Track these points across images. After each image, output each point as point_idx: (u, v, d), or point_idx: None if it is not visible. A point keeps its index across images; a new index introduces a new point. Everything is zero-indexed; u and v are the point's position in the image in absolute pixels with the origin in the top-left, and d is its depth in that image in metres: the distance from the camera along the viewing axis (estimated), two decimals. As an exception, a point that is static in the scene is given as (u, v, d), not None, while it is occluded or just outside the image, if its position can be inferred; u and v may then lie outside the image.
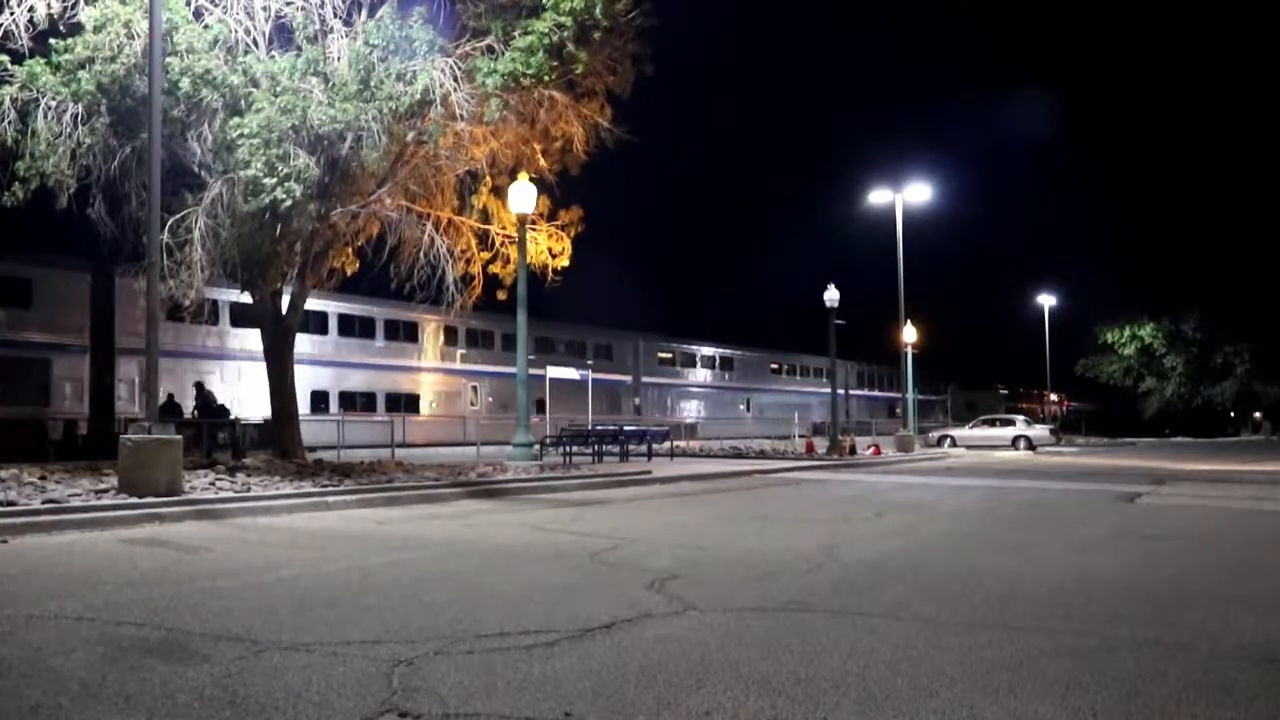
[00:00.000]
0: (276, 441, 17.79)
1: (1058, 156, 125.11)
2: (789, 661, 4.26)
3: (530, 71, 14.92)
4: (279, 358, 17.74)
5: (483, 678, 3.96)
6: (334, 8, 15.30)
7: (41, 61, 14.43)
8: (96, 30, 14.21)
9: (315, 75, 14.71)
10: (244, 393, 26.41)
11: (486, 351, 39.07)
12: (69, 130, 14.42)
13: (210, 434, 20.44)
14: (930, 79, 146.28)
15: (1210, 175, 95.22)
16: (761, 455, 27.10)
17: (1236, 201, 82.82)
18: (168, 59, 13.75)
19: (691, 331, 56.81)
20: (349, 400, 33.46)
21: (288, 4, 15.50)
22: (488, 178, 18.52)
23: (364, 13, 15.41)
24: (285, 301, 18.02)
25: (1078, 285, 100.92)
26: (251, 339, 28.98)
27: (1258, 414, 76.37)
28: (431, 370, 37.28)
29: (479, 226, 19.45)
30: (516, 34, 15.29)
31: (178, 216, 14.49)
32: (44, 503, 9.58)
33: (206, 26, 14.95)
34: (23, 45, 14.33)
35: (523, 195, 18.22)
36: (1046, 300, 57.95)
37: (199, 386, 22.83)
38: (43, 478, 12.21)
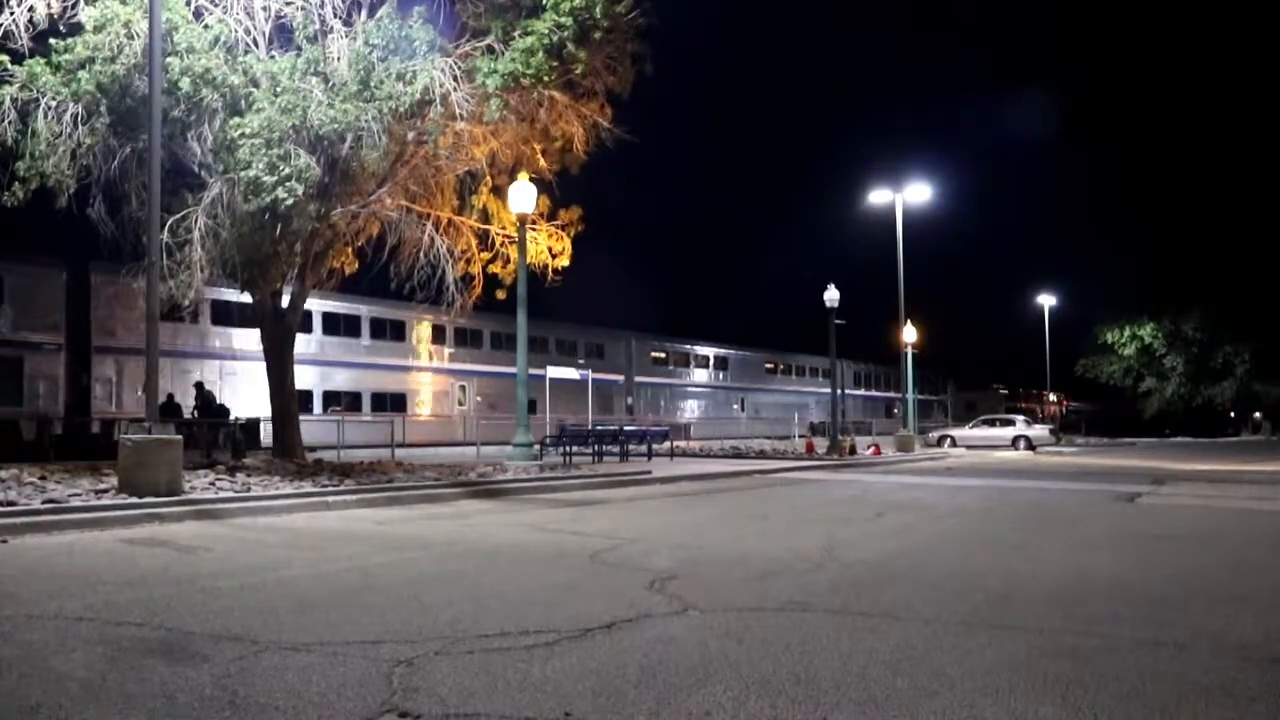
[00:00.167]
0: (276, 441, 17.80)
1: (1058, 156, 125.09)
2: (789, 661, 4.26)
3: (530, 71, 14.92)
4: (279, 358, 17.74)
5: (483, 678, 3.96)
6: (334, 8, 15.30)
7: (41, 61, 14.44)
8: (96, 30, 14.21)
9: (315, 75, 14.71)
10: (225, 392, 26.02)
11: (475, 350, 38.77)
12: (69, 130, 14.42)
13: (210, 433, 20.43)
14: (930, 79, 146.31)
15: (1210, 175, 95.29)
16: (761, 455, 27.10)
17: (1236, 202, 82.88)
18: (168, 59, 13.75)
19: (690, 331, 56.75)
20: (334, 400, 33.14)
21: (288, 4, 15.50)
22: (488, 177, 18.53)
23: (364, 13, 15.42)
24: (284, 301, 18.04)
25: (1078, 285, 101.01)
26: (235, 337, 28.98)
27: (1258, 414, 76.35)
28: (419, 369, 36.90)
29: (479, 226, 19.45)
30: (516, 34, 15.30)
31: (178, 216, 14.50)
32: (44, 502, 9.58)
33: (206, 26, 14.95)
34: (23, 45, 14.34)
35: (523, 195, 18.23)
36: (1046, 300, 58.01)
37: (199, 386, 22.82)
38: (43, 478, 12.22)
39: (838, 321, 31.61)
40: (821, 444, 30.99)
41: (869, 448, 31.32)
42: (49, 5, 14.37)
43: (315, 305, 31.89)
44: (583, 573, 6.82)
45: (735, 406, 56.40)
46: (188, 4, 15.18)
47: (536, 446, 20.15)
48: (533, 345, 38.38)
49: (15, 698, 3.67)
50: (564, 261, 20.22)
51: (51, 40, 14.47)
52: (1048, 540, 9.14)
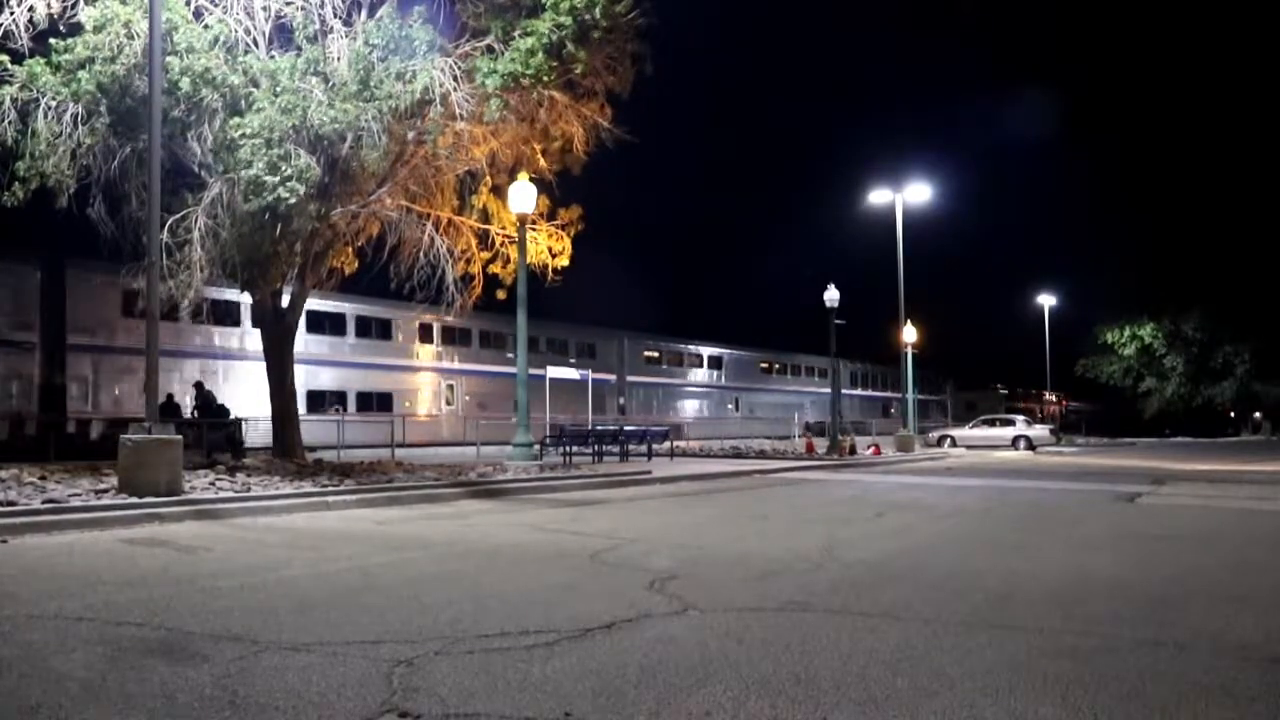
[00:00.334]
0: (276, 441, 17.81)
1: (1058, 156, 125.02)
2: (789, 661, 4.26)
3: (530, 72, 14.92)
4: (279, 357, 17.75)
5: (483, 678, 3.96)
6: (334, 8, 15.30)
7: (41, 61, 14.43)
8: (96, 30, 14.21)
9: (315, 75, 14.71)
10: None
11: (464, 349, 38.35)
12: (69, 130, 14.41)
13: (210, 434, 20.39)
14: (930, 79, 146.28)
15: (1210, 175, 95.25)
16: (761, 455, 27.10)
17: (1236, 202, 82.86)
18: (168, 59, 13.75)
19: (689, 331, 56.50)
20: (318, 399, 32.57)
21: (288, 4, 15.50)
22: (488, 177, 18.52)
23: (364, 13, 15.42)
24: (284, 301, 18.05)
25: (1078, 285, 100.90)
26: (217, 336, 28.71)
27: (1258, 414, 76.36)
28: (406, 368, 36.31)
29: (479, 226, 19.45)
30: (516, 34, 15.30)
31: (178, 216, 14.49)
32: (44, 502, 9.58)
33: (206, 26, 14.95)
34: (23, 45, 14.33)
35: (523, 195, 18.23)
36: (1046, 300, 58.00)
37: (198, 386, 22.82)
38: (43, 478, 12.22)
39: (838, 321, 31.61)
40: (821, 444, 30.99)
41: (869, 448, 31.32)
42: (49, 5, 14.36)
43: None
44: (583, 573, 6.82)
45: (730, 406, 56.02)
46: (188, 4, 15.17)
47: (536, 446, 20.15)
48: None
49: (15, 698, 3.67)
50: (564, 261, 20.21)
51: (51, 40, 14.47)
52: (1048, 540, 9.15)
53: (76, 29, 14.51)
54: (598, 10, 15.04)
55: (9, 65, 14.25)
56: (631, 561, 7.30)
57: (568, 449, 22.62)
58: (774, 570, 6.92)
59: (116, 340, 25.62)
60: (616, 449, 23.63)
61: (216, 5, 15.30)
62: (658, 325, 57.67)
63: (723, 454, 27.55)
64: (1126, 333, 69.04)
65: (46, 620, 5.03)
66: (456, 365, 38.13)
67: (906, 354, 38.51)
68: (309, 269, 17.20)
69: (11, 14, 14.16)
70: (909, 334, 38.19)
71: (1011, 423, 42.11)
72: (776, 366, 62.03)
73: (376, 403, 34.27)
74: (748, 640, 4.68)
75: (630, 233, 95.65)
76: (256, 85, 14.66)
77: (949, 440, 39.79)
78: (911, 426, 36.30)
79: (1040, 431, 41.50)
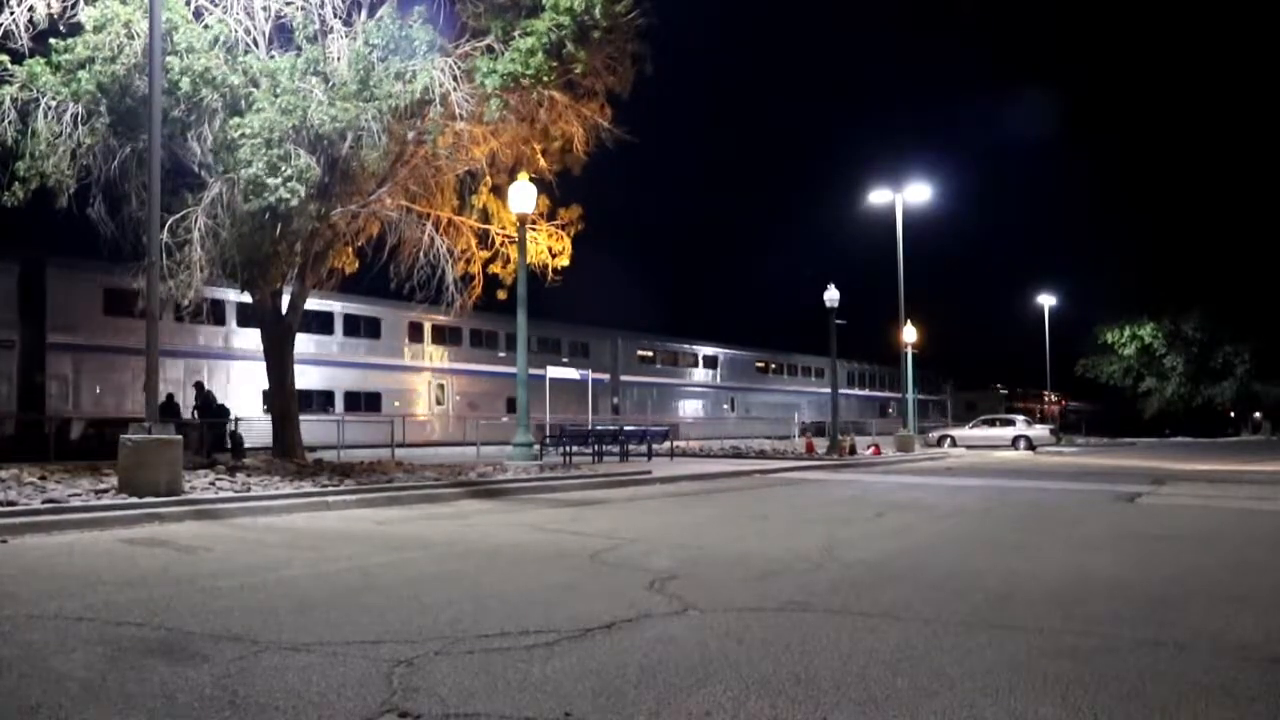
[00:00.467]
0: (276, 441, 17.81)
1: (1058, 156, 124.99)
2: (789, 661, 4.26)
3: (529, 72, 14.92)
4: (279, 357, 17.75)
5: (483, 678, 3.96)
6: (334, 8, 15.30)
7: (41, 61, 14.43)
8: (96, 30, 14.21)
9: (315, 75, 14.71)
10: (187, 392, 25.09)
11: (454, 348, 37.86)
12: (69, 130, 14.41)
13: (207, 433, 20.40)
14: (930, 79, 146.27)
15: (1210, 176, 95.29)
16: (761, 455, 27.11)
17: (1236, 202, 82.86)
18: (168, 59, 13.75)
19: (688, 331, 56.40)
20: (304, 399, 31.79)
21: (288, 4, 15.50)
22: (488, 177, 18.52)
23: (364, 13, 15.42)
24: (284, 301, 18.05)
25: (1078, 285, 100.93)
26: (202, 335, 28.40)
27: (1258, 414, 76.36)
28: (395, 368, 35.71)
29: (479, 226, 19.45)
30: (516, 34, 15.29)
31: (178, 216, 14.49)
32: (44, 502, 9.58)
33: (206, 26, 14.95)
34: (23, 45, 14.33)
35: (523, 195, 18.22)
36: (1046, 300, 57.95)
37: (199, 386, 22.83)
38: (43, 478, 12.22)
39: (838, 321, 31.60)
40: (821, 444, 30.99)
41: (869, 448, 31.32)
42: (49, 5, 14.36)
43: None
44: (583, 573, 6.82)
45: (725, 406, 55.63)
46: (188, 4, 15.17)
47: (536, 446, 20.14)
48: (514, 344, 37.93)
49: (15, 698, 3.67)
50: (564, 261, 20.21)
51: (51, 40, 14.47)
52: (1048, 540, 9.14)
53: (76, 29, 14.50)
54: (597, 10, 15.04)
55: (9, 65, 14.24)
56: (631, 561, 7.30)
57: (568, 449, 22.63)
58: (774, 570, 6.92)
59: (98, 339, 25.34)
60: (616, 449, 23.63)
61: (216, 5, 15.30)
62: (658, 325, 57.69)
63: (722, 454, 27.55)
64: (1126, 333, 69.05)
65: (46, 620, 5.03)
66: (447, 364, 37.63)
67: (906, 354, 38.51)
68: (309, 269, 17.20)
69: (11, 14, 14.16)
70: (909, 334, 38.19)
71: (1011, 423, 42.11)
72: (773, 366, 61.74)
73: (365, 403, 33.62)
74: (748, 640, 4.68)
75: (630, 233, 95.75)
76: (256, 85, 14.66)
77: (949, 440, 39.79)
78: (911, 426, 36.30)
79: (1040, 431, 41.50)
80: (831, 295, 31.14)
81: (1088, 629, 5.02)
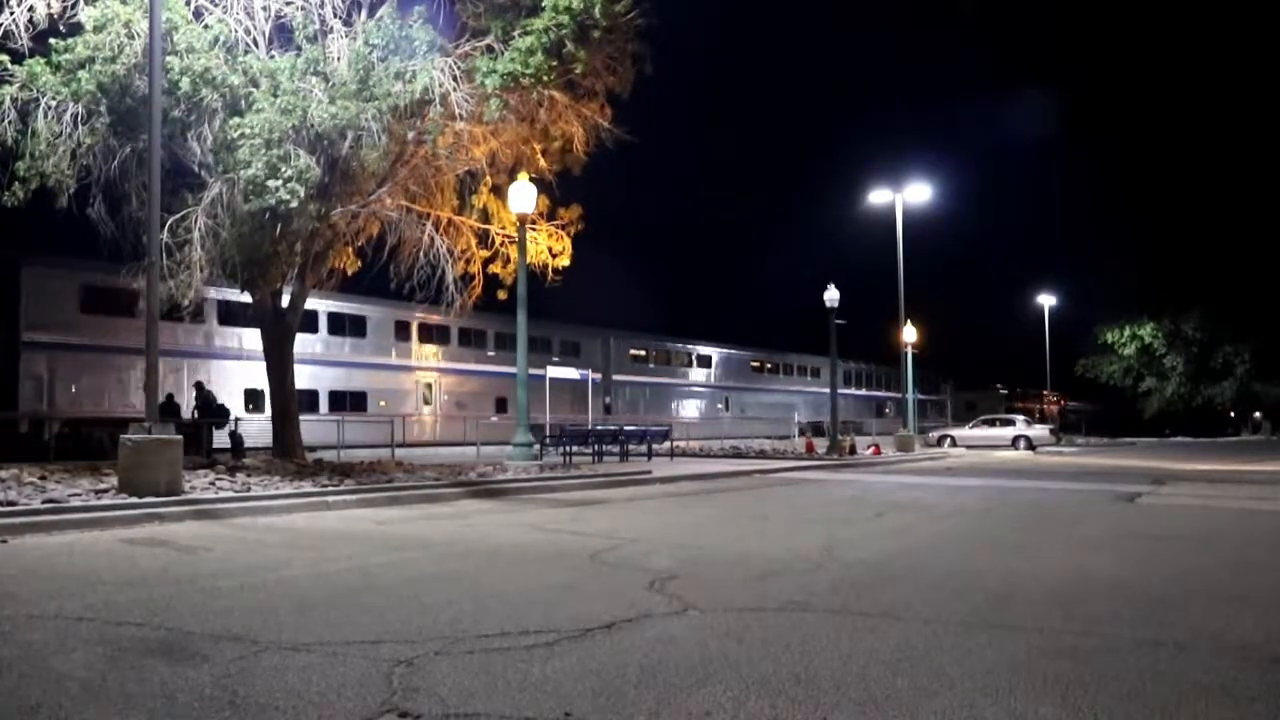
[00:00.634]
0: (276, 441, 17.81)
1: (1058, 156, 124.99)
2: (789, 661, 4.26)
3: (529, 71, 14.92)
4: (279, 357, 17.75)
5: (483, 678, 3.96)
6: (334, 8, 15.31)
7: (41, 61, 14.44)
8: (96, 30, 14.22)
9: (315, 75, 14.72)
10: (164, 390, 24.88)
11: (442, 347, 37.39)
12: (69, 130, 14.42)
13: (206, 433, 20.37)
14: (930, 79, 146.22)
15: (1210, 176, 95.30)
16: (761, 455, 27.11)
17: (1236, 202, 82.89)
18: (168, 59, 13.75)
19: (688, 331, 56.17)
20: None
21: (288, 4, 15.50)
22: (488, 177, 18.52)
23: (364, 13, 15.43)
24: (284, 301, 18.04)
25: (1078, 285, 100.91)
26: (182, 334, 28.05)
27: (1258, 414, 76.35)
28: (380, 367, 35.16)
29: (479, 226, 19.45)
30: (516, 33, 15.30)
31: (178, 216, 14.50)
32: (44, 502, 9.58)
33: (206, 26, 14.95)
34: (23, 45, 14.34)
35: (523, 195, 18.22)
36: (1046, 300, 57.94)
37: (199, 386, 22.82)
38: (43, 477, 12.22)
39: (838, 321, 31.60)
40: (821, 444, 30.99)
41: (869, 448, 31.32)
42: (49, 5, 14.37)
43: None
44: (583, 573, 6.82)
45: (720, 406, 55.25)
46: (188, 4, 15.18)
47: (536, 446, 20.14)
48: (506, 342, 37.42)
49: (15, 698, 3.67)
50: (564, 261, 20.21)
51: (51, 40, 14.47)
52: (1048, 540, 9.14)
53: (76, 29, 14.51)
54: (597, 10, 15.04)
55: (9, 65, 14.25)
56: (631, 561, 7.30)
57: (568, 449, 22.63)
58: (774, 570, 6.92)
59: (74, 337, 25.14)
60: (616, 449, 23.64)
61: (216, 5, 15.30)
62: (658, 325, 57.42)
63: (722, 454, 27.55)
64: (1126, 333, 69.06)
65: (46, 620, 5.03)
66: (434, 364, 37.14)
67: (906, 354, 38.49)
68: (309, 269, 17.20)
69: (11, 14, 14.16)
70: (909, 334, 38.18)
71: (1011, 423, 42.11)
72: (768, 366, 61.28)
73: (350, 402, 32.97)
74: (748, 640, 4.68)
75: (630, 233, 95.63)
76: (256, 85, 14.66)
77: (949, 440, 39.79)
78: (911, 426, 36.30)
79: (1040, 431, 41.50)
80: (831, 295, 31.14)
81: (1088, 629, 5.02)
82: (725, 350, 56.67)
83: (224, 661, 4.17)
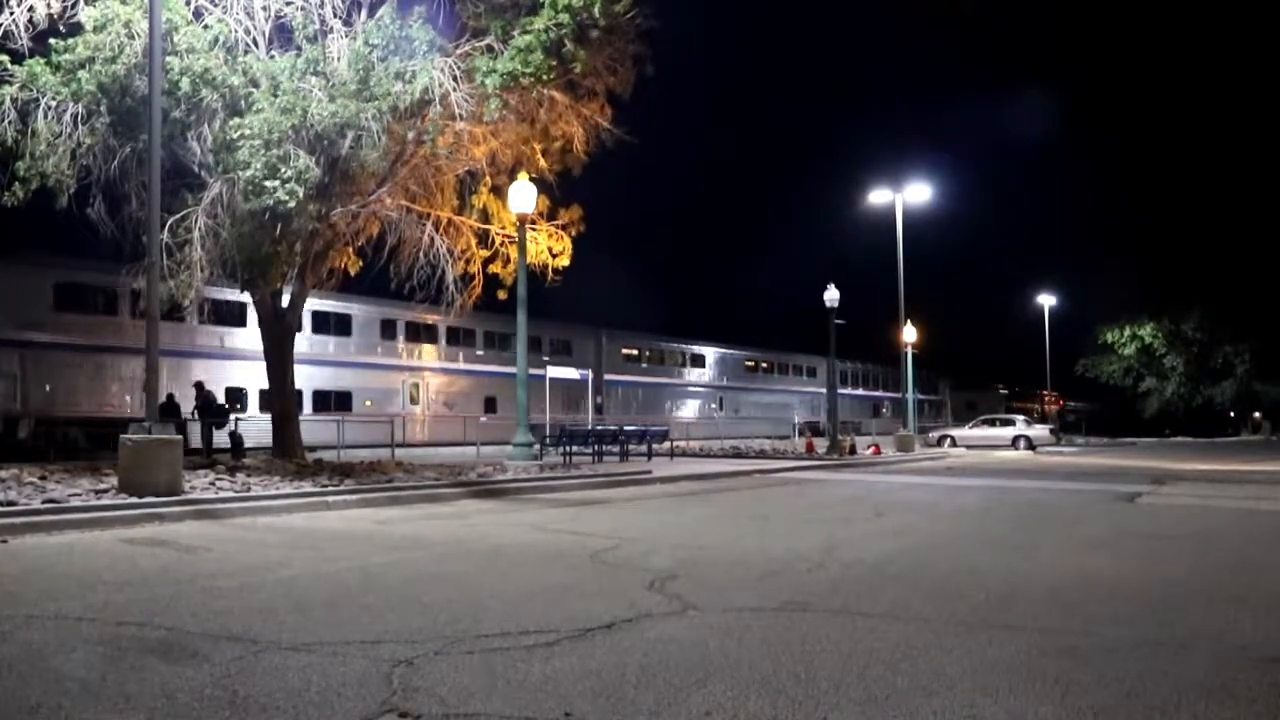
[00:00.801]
0: (276, 441, 17.82)
1: (1058, 156, 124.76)
2: (789, 661, 4.26)
3: (529, 71, 14.92)
4: (279, 357, 17.75)
5: (483, 678, 3.96)
6: (334, 8, 15.31)
7: (41, 61, 14.44)
8: (96, 30, 14.21)
9: (315, 75, 14.71)
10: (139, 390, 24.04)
11: (429, 346, 36.85)
12: (69, 130, 14.43)
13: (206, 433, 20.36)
14: (930, 79, 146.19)
15: (1210, 176, 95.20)
16: (761, 455, 27.12)
17: (1236, 202, 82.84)
18: (168, 59, 13.75)
19: (687, 331, 55.88)
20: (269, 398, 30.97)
21: (288, 4, 15.50)
22: (487, 177, 18.52)
23: (364, 13, 15.43)
24: (284, 301, 18.04)
25: (1078, 285, 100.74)
26: (167, 333, 27.53)
27: (1258, 414, 76.36)
28: (366, 366, 34.47)
29: (479, 226, 19.45)
30: (516, 33, 15.29)
31: (178, 216, 14.50)
32: (44, 502, 9.58)
33: (206, 26, 14.95)
34: (23, 45, 14.34)
35: (523, 195, 18.22)
36: (1046, 300, 57.89)
37: (199, 386, 22.82)
38: (43, 477, 12.21)
39: (838, 321, 31.60)
40: (821, 444, 30.98)
41: (869, 447, 31.33)
42: (49, 5, 14.37)
43: (249, 298, 28.71)
44: (583, 573, 6.82)
45: (714, 406, 54.48)
46: (188, 4, 15.18)
47: (536, 446, 20.14)
48: (495, 341, 37.30)
49: (15, 698, 3.67)
50: (564, 261, 20.20)
51: (51, 40, 14.47)
52: (1048, 540, 9.15)
53: (76, 29, 14.51)
54: (596, 9, 15.02)
55: (9, 65, 14.25)
56: (631, 561, 7.30)
57: (567, 449, 22.63)
58: (774, 570, 6.92)
59: (47, 335, 24.88)
60: (616, 449, 23.64)
61: (216, 5, 15.30)
62: (658, 325, 57.17)
63: (722, 454, 27.55)
64: (1126, 333, 69.04)
65: (46, 620, 5.03)
66: (421, 363, 36.52)
67: (907, 354, 38.47)
68: (309, 269, 17.19)
69: (11, 14, 14.16)
70: (909, 334, 38.17)
71: (1011, 423, 42.11)
72: (764, 365, 60.73)
73: (335, 402, 32.32)
74: (748, 640, 4.68)
75: (630, 233, 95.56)
76: (256, 85, 14.66)
77: (949, 440, 39.79)
78: (911, 426, 36.30)
79: (1040, 431, 41.48)
80: (831, 295, 31.14)
81: (1088, 629, 5.02)
82: (721, 350, 56.15)
83: (224, 661, 4.17)
